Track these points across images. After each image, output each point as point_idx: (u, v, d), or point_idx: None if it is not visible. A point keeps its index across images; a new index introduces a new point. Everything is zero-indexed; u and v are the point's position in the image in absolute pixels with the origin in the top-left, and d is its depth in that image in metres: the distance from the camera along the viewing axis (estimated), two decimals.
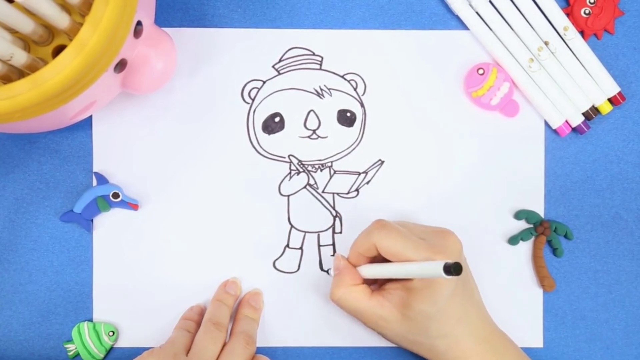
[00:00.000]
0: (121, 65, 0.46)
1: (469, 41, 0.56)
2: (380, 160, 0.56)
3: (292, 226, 0.56)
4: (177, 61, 0.52)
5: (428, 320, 0.49)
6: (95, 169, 0.55)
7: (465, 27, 0.56)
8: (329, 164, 0.56)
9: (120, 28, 0.43)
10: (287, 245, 0.56)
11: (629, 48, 0.57)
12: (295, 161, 0.56)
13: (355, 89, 0.56)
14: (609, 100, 0.56)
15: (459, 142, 0.56)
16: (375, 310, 0.50)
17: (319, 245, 0.56)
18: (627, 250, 0.57)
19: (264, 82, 0.56)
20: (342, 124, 0.56)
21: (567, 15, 0.56)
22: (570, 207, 0.57)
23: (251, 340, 0.52)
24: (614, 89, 0.56)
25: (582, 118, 0.56)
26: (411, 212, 0.56)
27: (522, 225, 0.56)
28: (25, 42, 0.47)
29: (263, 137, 0.56)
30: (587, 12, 0.56)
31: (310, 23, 0.56)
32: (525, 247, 0.56)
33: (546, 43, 0.55)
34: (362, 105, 0.56)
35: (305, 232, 0.56)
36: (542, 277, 0.56)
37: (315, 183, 0.56)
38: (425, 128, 0.56)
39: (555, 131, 0.56)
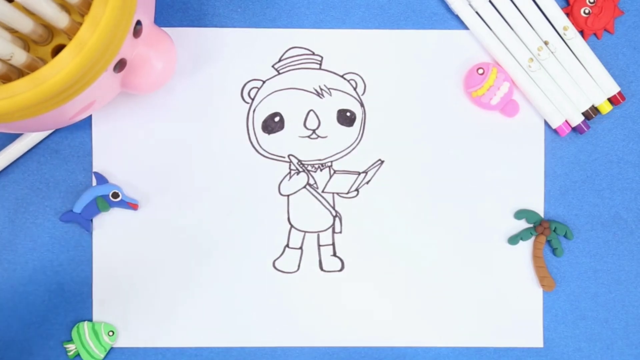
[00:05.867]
0: (121, 65, 0.46)
1: (469, 41, 0.56)
2: (380, 160, 0.56)
3: (291, 226, 0.56)
4: (177, 61, 0.52)
5: None
6: (95, 169, 0.55)
7: (465, 27, 0.56)
8: (329, 164, 0.56)
9: (120, 28, 0.43)
10: (287, 245, 0.56)
11: (629, 48, 0.57)
12: (295, 161, 0.56)
13: (355, 89, 0.56)
14: (609, 99, 0.56)
15: (459, 142, 0.56)
16: None
17: (319, 245, 0.56)
18: (627, 250, 0.57)
19: (264, 82, 0.56)
20: (342, 124, 0.56)
21: (567, 15, 0.56)
22: (570, 207, 0.57)
23: None
24: (613, 89, 0.56)
25: (582, 118, 0.56)
26: (411, 212, 0.56)
27: (522, 225, 0.56)
28: (25, 41, 0.47)
29: (263, 136, 0.56)
30: (586, 11, 0.56)
31: (310, 23, 0.56)
32: (525, 247, 0.56)
33: (546, 43, 0.55)
34: (362, 105, 0.56)
35: (305, 232, 0.56)
36: (542, 277, 0.56)
37: (315, 183, 0.56)
38: (425, 128, 0.56)
39: (555, 131, 0.56)
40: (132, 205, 0.55)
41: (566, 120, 0.56)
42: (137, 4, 0.44)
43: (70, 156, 0.56)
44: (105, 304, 0.56)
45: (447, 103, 0.56)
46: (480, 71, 0.55)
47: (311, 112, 0.56)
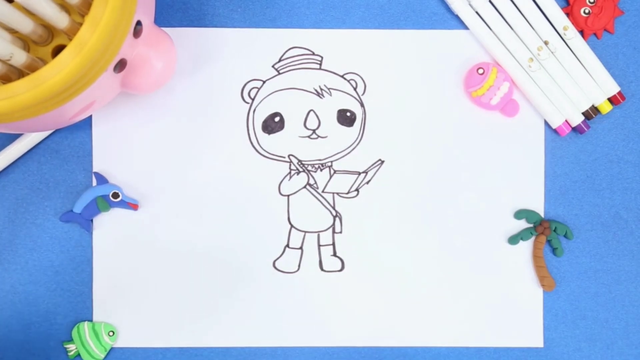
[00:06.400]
0: (121, 65, 0.46)
1: (469, 41, 0.56)
2: (380, 160, 0.56)
3: (292, 226, 0.56)
4: (177, 61, 0.52)
5: None
6: (95, 169, 0.55)
7: (465, 27, 0.56)
8: (329, 164, 0.56)
9: (120, 28, 0.43)
10: (287, 245, 0.56)
11: (629, 48, 0.57)
12: (295, 161, 0.56)
13: (355, 89, 0.56)
14: (609, 99, 0.56)
15: (459, 142, 0.56)
16: None
17: (319, 245, 0.56)
18: (627, 250, 0.57)
19: (264, 82, 0.56)
20: (342, 124, 0.56)
21: (567, 14, 0.56)
22: (570, 206, 0.57)
23: None
24: (613, 89, 0.56)
25: (582, 117, 0.56)
26: (411, 212, 0.56)
27: (522, 225, 0.56)
28: (25, 42, 0.47)
29: (263, 136, 0.56)
30: (586, 11, 0.56)
31: (310, 23, 0.56)
32: (525, 247, 0.56)
33: (546, 43, 0.55)
34: (362, 105, 0.56)
35: (305, 232, 0.56)
36: (542, 276, 0.56)
37: (315, 183, 0.56)
38: (425, 128, 0.56)
39: (555, 131, 0.56)
40: (132, 205, 0.55)
41: (566, 120, 0.56)
42: (137, 4, 0.44)
43: (70, 156, 0.56)
44: (105, 304, 0.56)
45: (447, 103, 0.56)
46: (480, 71, 0.55)
47: (311, 112, 0.56)
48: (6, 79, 0.45)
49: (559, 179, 0.57)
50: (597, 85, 0.56)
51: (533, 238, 0.56)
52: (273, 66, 0.56)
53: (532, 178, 0.56)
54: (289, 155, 0.56)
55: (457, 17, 0.56)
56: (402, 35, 0.56)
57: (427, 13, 0.56)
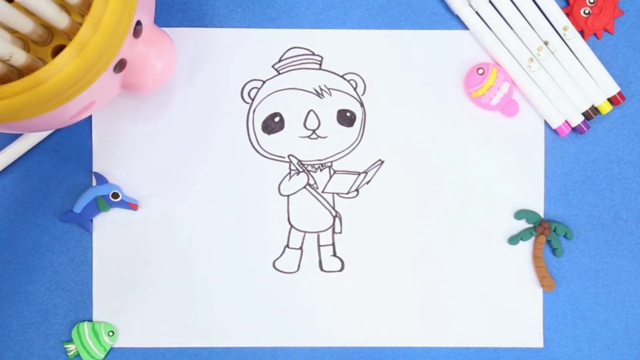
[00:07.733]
0: (121, 65, 0.46)
1: (469, 41, 0.56)
2: (380, 160, 0.56)
3: (291, 226, 0.56)
4: (177, 61, 0.52)
5: None
6: (95, 169, 0.55)
7: (465, 27, 0.56)
8: (329, 164, 0.56)
9: (120, 28, 0.43)
10: (287, 245, 0.56)
11: (629, 48, 0.57)
12: (295, 161, 0.56)
13: (355, 89, 0.56)
14: (609, 100, 0.56)
15: (459, 142, 0.56)
16: None
17: (319, 245, 0.56)
18: (627, 250, 0.57)
19: (264, 82, 0.56)
20: (342, 124, 0.56)
21: (567, 15, 0.56)
22: (570, 207, 0.57)
23: None
24: (613, 89, 0.56)
25: (582, 118, 0.56)
26: (411, 212, 0.56)
27: (522, 225, 0.56)
28: (25, 42, 0.47)
29: (263, 137, 0.56)
30: (586, 11, 0.56)
31: (310, 23, 0.56)
32: (525, 247, 0.56)
33: (546, 43, 0.55)
34: (361, 105, 0.56)
35: (305, 232, 0.56)
36: (542, 277, 0.56)
37: (315, 183, 0.56)
38: (425, 128, 0.56)
39: (555, 131, 0.56)
40: (132, 205, 0.55)
41: (566, 120, 0.56)
42: (137, 4, 0.44)
43: (70, 156, 0.56)
44: (105, 304, 0.56)
45: (447, 103, 0.56)
46: (480, 71, 0.55)
47: (311, 112, 0.56)
48: (6, 79, 0.45)
49: (559, 179, 0.57)
50: (597, 86, 0.56)
51: (533, 238, 0.56)
52: (273, 66, 0.56)
53: (532, 178, 0.56)
54: (288, 156, 0.56)
55: (457, 17, 0.56)
56: (402, 35, 0.56)
57: (427, 13, 0.56)
